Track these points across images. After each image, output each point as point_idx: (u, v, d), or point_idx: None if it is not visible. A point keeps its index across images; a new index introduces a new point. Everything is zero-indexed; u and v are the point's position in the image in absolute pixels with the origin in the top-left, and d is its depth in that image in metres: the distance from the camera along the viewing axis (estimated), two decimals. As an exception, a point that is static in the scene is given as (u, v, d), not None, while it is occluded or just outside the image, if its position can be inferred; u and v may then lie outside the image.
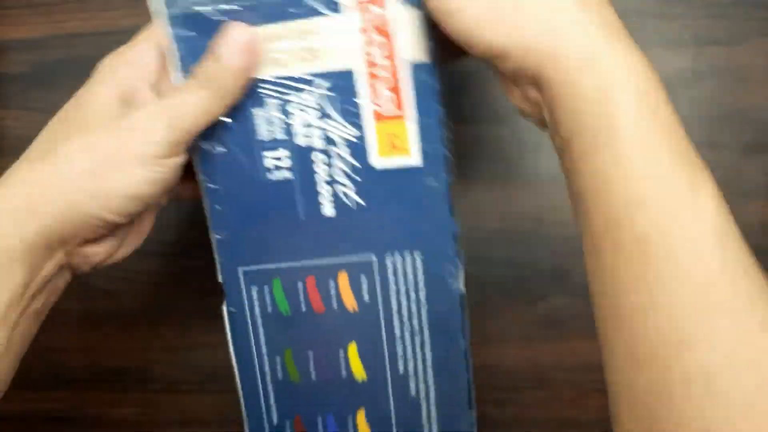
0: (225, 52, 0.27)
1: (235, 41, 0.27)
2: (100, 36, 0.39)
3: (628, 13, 0.38)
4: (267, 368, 0.31)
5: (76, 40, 0.39)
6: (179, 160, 0.27)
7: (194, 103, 0.27)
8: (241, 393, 0.32)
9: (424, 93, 0.28)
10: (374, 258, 0.30)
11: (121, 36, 0.39)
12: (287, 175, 0.29)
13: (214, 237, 0.30)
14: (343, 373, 0.31)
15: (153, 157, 0.26)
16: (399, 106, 0.28)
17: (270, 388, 0.32)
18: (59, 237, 0.26)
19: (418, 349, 0.31)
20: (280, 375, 0.31)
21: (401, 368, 0.31)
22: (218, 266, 0.30)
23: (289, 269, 0.30)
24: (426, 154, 0.28)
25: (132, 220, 0.28)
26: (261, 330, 0.31)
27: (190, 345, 0.42)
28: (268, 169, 0.29)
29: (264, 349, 0.31)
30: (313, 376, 0.31)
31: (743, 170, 0.39)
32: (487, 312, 0.42)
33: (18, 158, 0.41)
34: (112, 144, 0.26)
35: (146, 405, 0.42)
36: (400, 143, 0.29)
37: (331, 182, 0.29)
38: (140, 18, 0.39)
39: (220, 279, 0.30)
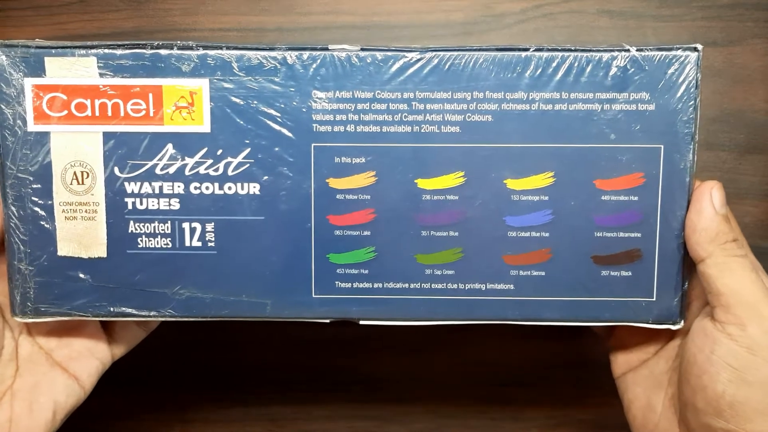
0: None
1: None
2: (102, 38, 0.39)
3: (625, 14, 0.39)
4: None
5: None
6: None
7: None
8: None
9: None
10: None
11: (123, 38, 0.39)
12: None
13: None
14: None
15: None
16: None
17: None
18: None
19: None
20: None
21: None
22: None
23: None
24: None
25: None
26: None
27: (192, 343, 0.42)
28: None
29: None
30: None
31: (739, 170, 0.40)
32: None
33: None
34: None
35: (148, 404, 0.43)
36: None
37: None
38: (142, 20, 0.39)
39: None
